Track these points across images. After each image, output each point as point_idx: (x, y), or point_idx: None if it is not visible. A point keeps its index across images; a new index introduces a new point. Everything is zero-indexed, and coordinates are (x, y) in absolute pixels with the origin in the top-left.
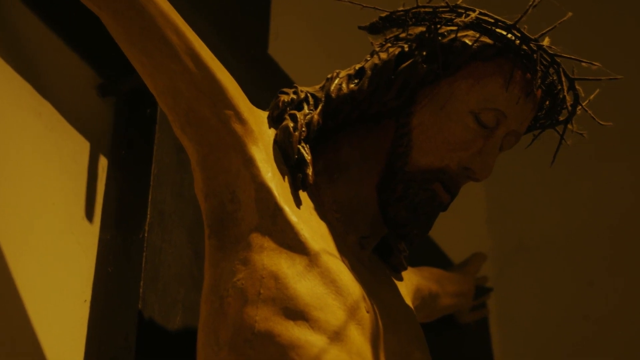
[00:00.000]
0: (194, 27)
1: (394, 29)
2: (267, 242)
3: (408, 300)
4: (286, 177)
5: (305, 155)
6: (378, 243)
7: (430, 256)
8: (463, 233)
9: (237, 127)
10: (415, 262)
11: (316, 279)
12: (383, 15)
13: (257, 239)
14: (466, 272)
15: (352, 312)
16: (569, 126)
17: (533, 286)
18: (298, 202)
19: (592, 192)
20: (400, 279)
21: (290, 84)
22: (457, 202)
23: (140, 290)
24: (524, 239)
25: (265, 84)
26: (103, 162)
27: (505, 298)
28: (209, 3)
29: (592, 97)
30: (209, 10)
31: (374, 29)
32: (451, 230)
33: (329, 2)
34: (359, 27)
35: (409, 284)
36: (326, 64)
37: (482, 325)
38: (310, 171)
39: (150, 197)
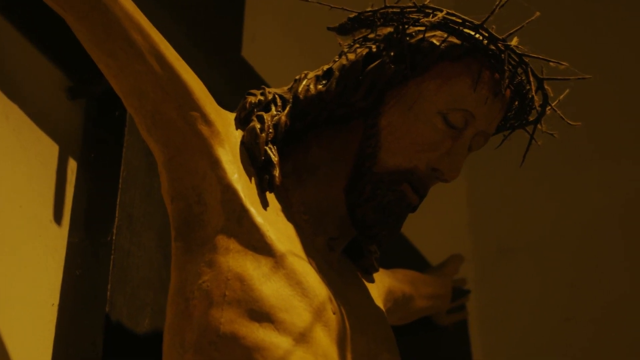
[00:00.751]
0: (166, 29)
1: (363, 30)
2: (233, 244)
3: (379, 302)
4: (253, 179)
5: (272, 156)
6: (349, 245)
7: (408, 259)
8: (444, 235)
9: (204, 128)
10: (393, 265)
11: (282, 281)
12: (352, 16)
13: (222, 241)
14: (443, 274)
15: (318, 314)
16: (539, 126)
17: (514, 288)
18: (265, 204)
19: (571, 194)
20: (372, 280)
21: (264, 86)
22: (439, 205)
23: (108, 293)
24: (504, 241)
25: (239, 86)
26: (72, 165)
27: (486, 300)
28: (182, 6)
29: (561, 97)
30: (182, 13)
31: (343, 30)
32: (432, 232)
33: (303, 3)
34: (328, 28)
35: (381, 286)
36: (300, 65)
37: (461, 327)
38: (276, 172)
39: (118, 200)
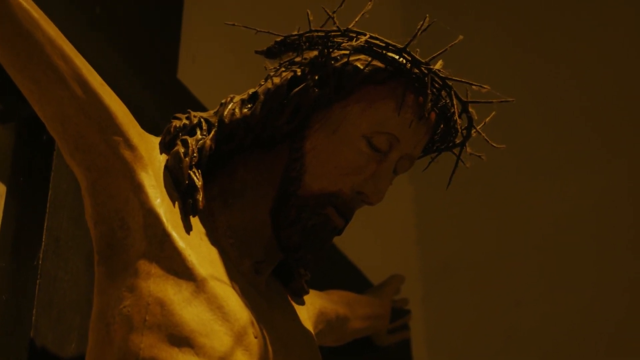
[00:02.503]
0: (101, 51)
1: (290, 53)
2: (155, 269)
3: (308, 325)
4: (176, 203)
5: (196, 180)
6: (280, 267)
7: (350, 279)
8: (391, 254)
9: (126, 153)
10: (338, 286)
11: (202, 305)
12: (278, 39)
13: (144, 265)
14: (382, 294)
15: (239, 338)
16: (466, 148)
17: (460, 307)
18: (188, 228)
19: (516, 213)
20: (302, 303)
21: (200, 107)
22: (386, 224)
23: (33, 318)
24: (451, 259)
25: (175, 108)
26: (1, 189)
27: (432, 318)
28: (116, 27)
29: (487, 119)
30: (117, 34)
31: (270, 53)
32: (379, 252)
33: (244, 23)
34: (256, 52)
35: (311, 308)
36: (237, 87)
37: (403, 347)
38: (200, 197)
39: (46, 224)
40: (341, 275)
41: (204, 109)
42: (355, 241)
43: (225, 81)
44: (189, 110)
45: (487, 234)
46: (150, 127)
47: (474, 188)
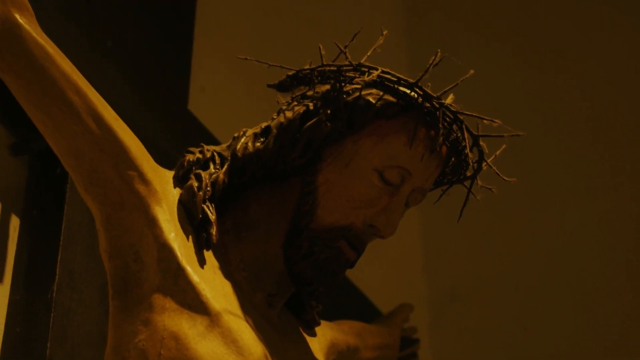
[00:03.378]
0: (109, 83)
1: (302, 87)
2: (169, 303)
3: (320, 356)
4: (190, 237)
5: (210, 214)
6: (291, 299)
7: (359, 308)
8: (398, 282)
9: (141, 187)
10: (346, 315)
11: (217, 339)
12: (290, 73)
13: (158, 299)
14: (391, 323)
15: None
16: (476, 181)
17: (468, 334)
18: (202, 262)
19: (524, 241)
20: (313, 334)
21: (211, 139)
22: (393, 252)
23: (47, 351)
24: (458, 287)
25: (186, 139)
26: (15, 222)
27: (440, 346)
28: (126, 59)
29: (498, 152)
30: (128, 66)
31: (282, 87)
32: (386, 280)
33: (254, 56)
34: (268, 86)
35: (323, 340)
36: (247, 117)
37: None
38: (214, 231)
39: (59, 257)
40: (349, 302)
41: (214, 140)
42: (362, 269)
43: (236, 112)
44: (202, 144)
45: (493, 261)
46: (161, 158)
47: (480, 215)
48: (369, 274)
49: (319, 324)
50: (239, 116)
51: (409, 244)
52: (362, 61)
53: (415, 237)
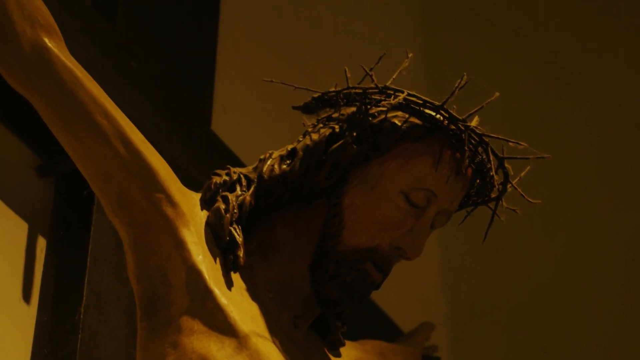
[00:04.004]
0: (133, 104)
1: (327, 109)
2: (197, 325)
3: None
4: (218, 259)
5: (237, 237)
6: (316, 320)
7: (380, 326)
8: (417, 300)
9: (168, 210)
10: (366, 333)
11: None
12: (315, 95)
13: (187, 322)
14: (413, 342)
15: None
16: (501, 203)
17: (487, 353)
18: (229, 284)
19: (543, 259)
20: (338, 355)
21: (234, 159)
22: (412, 270)
23: None
24: (477, 305)
25: (209, 160)
26: (41, 243)
27: None
28: (151, 80)
29: (522, 174)
30: (150, 87)
31: (307, 109)
32: (404, 298)
33: (276, 77)
34: (293, 107)
35: None
36: (270, 138)
37: None
38: (241, 253)
39: (86, 278)
40: (369, 321)
41: (237, 160)
42: (382, 287)
43: (259, 132)
44: (228, 166)
45: (511, 278)
46: (184, 178)
47: (498, 232)
48: (388, 292)
49: (343, 345)
50: (262, 136)
51: (428, 262)
52: (387, 84)
53: (434, 255)
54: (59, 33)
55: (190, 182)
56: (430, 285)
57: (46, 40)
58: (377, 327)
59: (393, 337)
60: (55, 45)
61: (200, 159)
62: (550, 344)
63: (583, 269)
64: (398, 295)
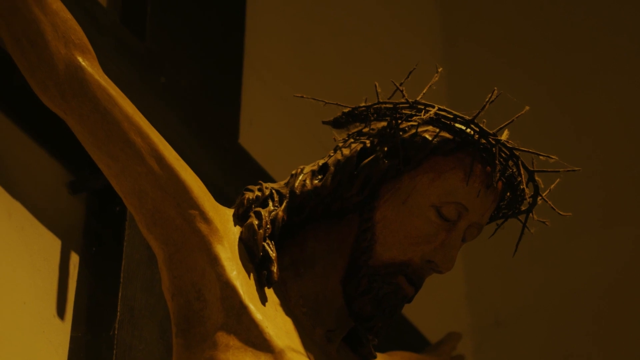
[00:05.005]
0: (162, 119)
1: (357, 124)
2: (233, 341)
3: None
4: (251, 275)
5: (270, 252)
6: (348, 333)
7: (406, 337)
8: (441, 309)
9: (202, 226)
10: (392, 343)
11: None
12: (346, 110)
13: (222, 337)
14: (441, 352)
15: None
16: (531, 215)
17: None
18: (263, 299)
19: (567, 267)
20: None
21: (262, 173)
22: (435, 278)
23: None
24: (501, 313)
25: (238, 174)
26: (74, 259)
27: None
28: (177, 94)
29: (552, 186)
30: (178, 101)
31: (337, 123)
32: (429, 307)
33: (300, 91)
34: (323, 122)
35: None
36: (299, 153)
37: None
38: (275, 268)
39: (120, 294)
40: (395, 331)
41: (265, 173)
42: None
43: (286, 145)
44: (260, 181)
45: (535, 286)
46: (213, 192)
47: (523, 242)
48: (413, 302)
49: (375, 357)
50: (288, 149)
51: (452, 271)
52: (417, 99)
53: (458, 265)
54: (93, 52)
55: (220, 197)
56: (455, 295)
57: (80, 59)
58: (401, 336)
59: (417, 346)
60: (89, 65)
61: (229, 173)
62: (574, 353)
63: (608, 278)
64: (422, 305)
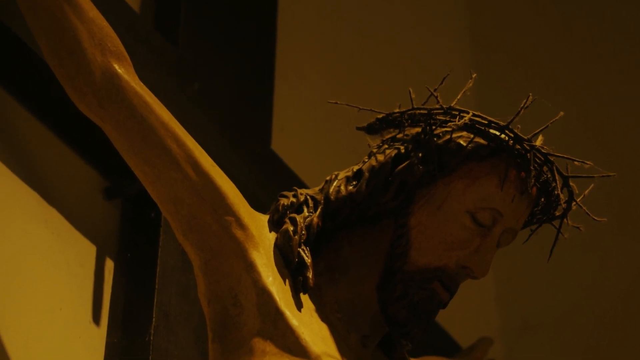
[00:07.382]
0: (195, 125)
1: (391, 130)
2: (269, 347)
3: None
4: (287, 281)
5: (306, 258)
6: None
7: (438, 342)
8: (470, 312)
9: (238, 232)
10: (423, 347)
11: None
12: (380, 116)
13: (259, 343)
14: (472, 357)
15: None
16: (565, 220)
17: None
18: (299, 305)
19: (597, 269)
20: None
21: (294, 179)
22: (465, 284)
23: None
24: (530, 318)
25: (270, 179)
26: (109, 265)
27: None
28: (211, 100)
29: (586, 192)
30: (211, 107)
31: (371, 129)
32: (458, 311)
33: (331, 97)
34: (357, 128)
35: None
36: (331, 158)
37: None
38: (310, 274)
39: (155, 299)
40: (430, 338)
41: (297, 179)
42: None
43: (318, 151)
44: (295, 187)
45: (565, 291)
46: (246, 198)
47: (550, 244)
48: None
49: None
50: (320, 154)
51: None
52: (452, 104)
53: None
54: (128, 59)
55: (253, 202)
56: (484, 298)
57: (116, 66)
58: (431, 340)
59: (446, 349)
60: (125, 72)
61: (261, 179)
62: (604, 355)
63: (637, 280)
64: (451, 308)
